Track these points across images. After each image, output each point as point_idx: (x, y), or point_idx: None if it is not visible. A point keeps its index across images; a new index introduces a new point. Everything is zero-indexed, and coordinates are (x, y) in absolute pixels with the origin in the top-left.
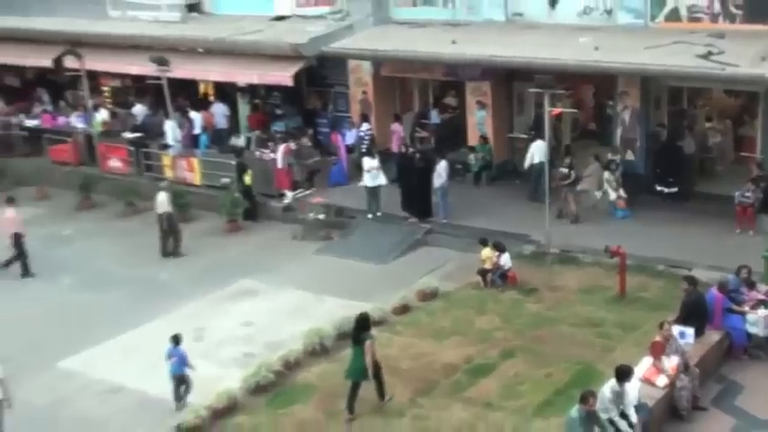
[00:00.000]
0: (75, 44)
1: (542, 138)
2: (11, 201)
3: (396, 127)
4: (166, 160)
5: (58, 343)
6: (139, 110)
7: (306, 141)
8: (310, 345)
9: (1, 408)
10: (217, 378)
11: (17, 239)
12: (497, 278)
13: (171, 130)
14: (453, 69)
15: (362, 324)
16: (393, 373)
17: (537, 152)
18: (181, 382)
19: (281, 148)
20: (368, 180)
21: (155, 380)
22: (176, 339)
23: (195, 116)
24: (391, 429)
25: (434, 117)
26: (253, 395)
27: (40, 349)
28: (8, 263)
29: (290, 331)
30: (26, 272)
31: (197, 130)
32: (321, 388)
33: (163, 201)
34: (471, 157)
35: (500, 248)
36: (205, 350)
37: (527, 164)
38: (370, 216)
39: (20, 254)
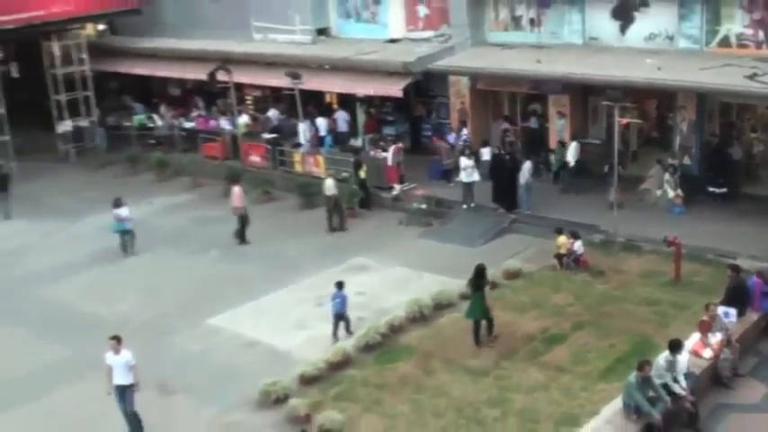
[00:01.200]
0: (226, 61)
1: (576, 140)
2: (236, 180)
3: (503, 126)
4: (297, 157)
5: (206, 304)
6: (275, 114)
7: (444, 144)
8: (411, 313)
9: (132, 391)
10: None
11: (242, 212)
12: (571, 262)
13: (303, 131)
14: (538, 84)
15: (481, 272)
16: None
17: (572, 152)
18: (341, 318)
19: (392, 148)
20: (464, 176)
21: (282, 337)
22: (340, 284)
23: (321, 121)
24: (478, 386)
25: (534, 123)
26: (363, 352)
27: (192, 308)
28: (241, 238)
29: (395, 301)
30: (243, 240)
31: (322, 133)
32: (419, 349)
33: (330, 185)
34: (552, 158)
35: (575, 236)
36: (325, 314)
37: (563, 161)
38: (464, 207)
39: (243, 224)
